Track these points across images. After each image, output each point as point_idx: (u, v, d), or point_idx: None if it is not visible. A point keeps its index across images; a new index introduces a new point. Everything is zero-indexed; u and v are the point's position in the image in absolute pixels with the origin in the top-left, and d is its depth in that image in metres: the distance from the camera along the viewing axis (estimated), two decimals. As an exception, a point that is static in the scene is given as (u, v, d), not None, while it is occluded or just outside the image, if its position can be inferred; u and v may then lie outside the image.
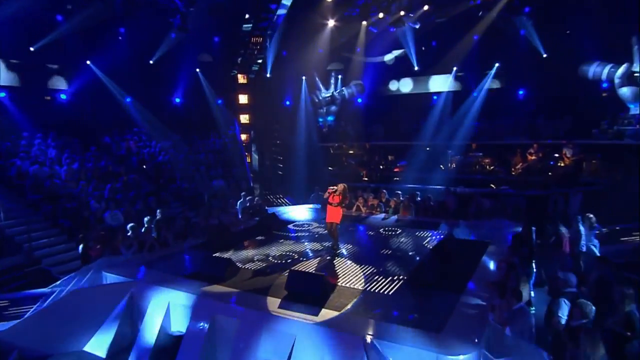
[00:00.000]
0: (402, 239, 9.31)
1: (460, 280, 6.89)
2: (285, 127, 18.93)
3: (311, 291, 6.50)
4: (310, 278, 6.70)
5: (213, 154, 16.99)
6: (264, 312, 6.11)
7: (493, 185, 13.12)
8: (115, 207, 11.60)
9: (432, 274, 7.05)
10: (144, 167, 15.03)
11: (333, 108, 19.29)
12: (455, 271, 7.23)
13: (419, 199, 11.80)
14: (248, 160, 17.32)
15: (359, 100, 19.27)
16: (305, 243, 9.28)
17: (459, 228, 9.77)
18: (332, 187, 8.45)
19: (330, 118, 19.46)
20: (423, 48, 17.10)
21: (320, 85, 19.01)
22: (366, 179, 15.87)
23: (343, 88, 19.11)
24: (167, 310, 6.89)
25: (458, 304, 6.14)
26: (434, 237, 9.24)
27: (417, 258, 8.00)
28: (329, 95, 19.09)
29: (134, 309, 7.12)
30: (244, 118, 17.88)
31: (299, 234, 10.09)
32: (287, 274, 6.94)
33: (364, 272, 7.47)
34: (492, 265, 7.48)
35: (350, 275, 7.34)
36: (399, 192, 12.24)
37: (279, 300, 6.46)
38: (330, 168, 17.06)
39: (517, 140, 14.57)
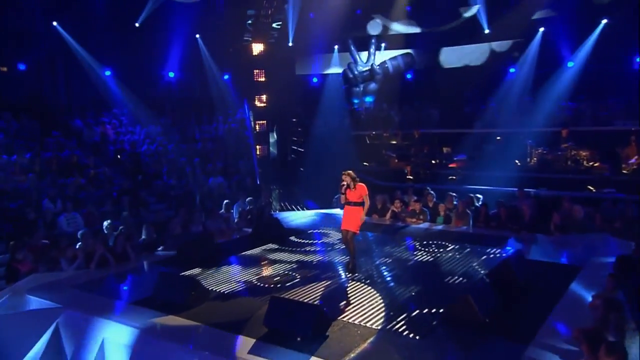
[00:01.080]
0: (449, 258, 8.73)
1: (530, 323, 5.97)
2: (310, 110, 18.73)
3: (300, 328, 5.74)
4: (300, 309, 5.94)
5: (213, 143, 16.88)
6: (231, 359, 5.40)
7: (592, 188, 12.36)
8: (74, 209, 11.33)
9: (487, 311, 6.03)
10: (119, 157, 14.85)
11: (372, 86, 18.98)
12: (524, 309, 6.40)
13: (478, 204, 11.38)
14: (258, 152, 17.13)
15: (408, 75, 19.03)
16: (311, 259, 8.90)
17: (535, 245, 9.17)
18: (344, 183, 8.03)
19: (368, 99, 19.17)
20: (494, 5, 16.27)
21: (357, 57, 18.61)
22: (411, 177, 15.53)
23: (386, 60, 18.80)
24: (102, 349, 6.35)
25: (524, 360, 4.95)
26: (496, 257, 8.60)
27: (467, 286, 7.21)
28: (367, 69, 18.71)
29: (59, 346, 6.66)
30: (259, 99, 17.84)
31: (306, 247, 9.79)
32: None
33: (386, 303, 6.79)
34: (581, 302, 6.48)
35: (365, 307, 6.66)
36: (454, 194, 11.82)
37: (253, 341, 5.77)
38: (365, 164, 16.74)
39: (631, 125, 13.67)
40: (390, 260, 8.67)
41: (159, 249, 10.01)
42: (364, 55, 18.57)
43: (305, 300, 6.78)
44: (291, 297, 6.80)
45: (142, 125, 16.75)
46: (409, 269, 8.20)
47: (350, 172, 7.92)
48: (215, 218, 11.30)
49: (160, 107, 17.48)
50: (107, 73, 16.08)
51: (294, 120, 18.72)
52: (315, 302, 6.48)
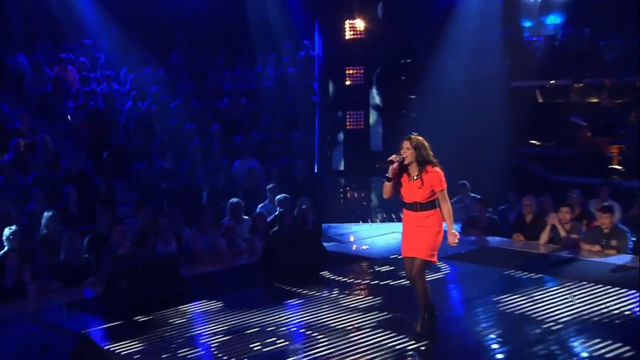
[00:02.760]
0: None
1: None
2: (435, 45, 17.40)
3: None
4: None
5: (249, 101, 17.57)
6: None
7: None
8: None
9: None
10: (78, 119, 15.59)
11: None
12: None
13: None
14: (348, 124, 16.32)
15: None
16: (353, 314, 9.10)
17: None
18: (396, 156, 7.73)
19: (553, 19, 18.99)
20: None
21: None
22: (618, 167, 15.39)
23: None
24: None
25: None
26: None
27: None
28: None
29: None
30: (350, 26, 16.40)
31: (351, 289, 10.19)
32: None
33: None
34: None
35: None
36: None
37: None
38: (534, 142, 17.11)
39: None
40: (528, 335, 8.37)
41: (88, 280, 10.39)
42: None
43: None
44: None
45: (130, 68, 17.40)
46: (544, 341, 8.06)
47: (417, 137, 7.78)
48: (205, 229, 11.68)
49: (167, 38, 18.45)
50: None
51: (408, 61, 17.48)
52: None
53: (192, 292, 9.89)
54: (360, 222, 15.04)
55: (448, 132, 15.30)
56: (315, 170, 15.95)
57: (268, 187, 13.69)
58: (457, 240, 7.70)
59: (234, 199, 12.69)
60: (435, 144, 14.74)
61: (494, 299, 9.57)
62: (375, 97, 16.60)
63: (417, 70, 17.31)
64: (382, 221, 15.03)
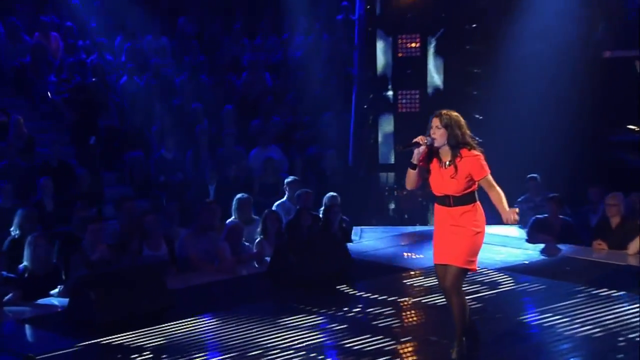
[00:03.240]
0: None
1: None
2: (502, 7, 17.29)
3: None
4: None
5: (274, 74, 17.80)
6: None
7: None
8: None
9: None
10: (60, 97, 15.71)
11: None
12: None
13: None
14: (400, 108, 16.58)
15: None
16: (369, 332, 9.11)
17: None
18: (423, 137, 7.68)
19: None
20: None
21: None
22: None
23: None
24: None
25: None
26: None
27: None
28: None
29: None
30: None
31: (373, 306, 10.12)
32: None
33: None
34: None
35: None
36: None
37: None
38: (633, 127, 16.93)
39: None
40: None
41: (54, 291, 10.37)
42: None
43: None
44: None
45: (127, 36, 17.52)
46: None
47: (449, 113, 7.65)
48: (204, 230, 11.72)
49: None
50: None
51: (474, 27, 17.42)
52: None
53: (180, 306, 9.75)
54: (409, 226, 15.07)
55: (520, 115, 15.72)
56: (350, 162, 15.88)
57: (287, 180, 13.59)
58: (516, 217, 7.52)
59: (242, 194, 12.63)
60: (504, 130, 15.64)
61: (565, 321, 9.33)
62: (434, 73, 16.55)
63: (485, 39, 17.21)
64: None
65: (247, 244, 12.07)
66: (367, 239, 13.90)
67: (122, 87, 16.43)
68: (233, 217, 12.46)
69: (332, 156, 15.42)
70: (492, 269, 11.43)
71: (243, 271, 11.56)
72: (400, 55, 16.43)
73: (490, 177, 7.58)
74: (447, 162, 7.49)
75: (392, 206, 16.12)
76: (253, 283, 11.24)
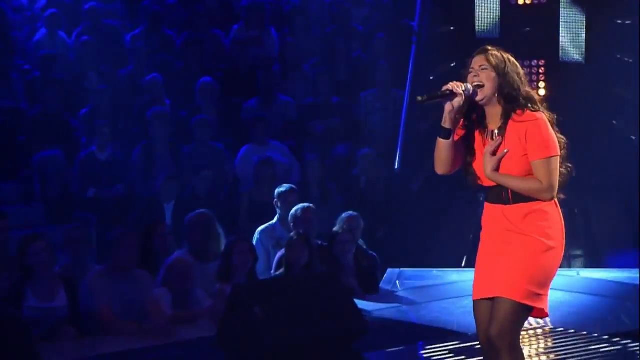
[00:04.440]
0: None
1: None
2: None
3: None
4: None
5: (281, 30, 17.40)
6: None
7: None
8: None
9: None
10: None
11: None
12: None
13: None
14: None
15: None
16: None
17: None
18: (458, 84, 6.44)
19: None
20: None
21: None
22: None
23: None
24: None
25: None
26: None
27: None
28: None
29: None
30: None
31: None
32: None
33: None
34: None
35: None
36: None
37: None
38: None
39: None
40: None
41: None
42: None
43: None
44: None
45: None
46: None
47: (500, 51, 6.65)
48: (126, 268, 11.07)
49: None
50: None
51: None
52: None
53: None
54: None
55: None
56: (396, 167, 14.86)
57: (278, 191, 12.71)
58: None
59: (200, 211, 11.83)
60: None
61: None
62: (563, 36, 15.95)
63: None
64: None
65: (201, 291, 11.04)
66: (408, 288, 12.80)
67: (36, 46, 15.75)
68: (184, 246, 11.75)
69: (370, 158, 14.08)
70: (584, 332, 10.55)
71: (186, 333, 10.51)
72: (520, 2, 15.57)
73: (553, 160, 6.42)
74: (496, 131, 6.45)
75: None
76: (198, 354, 10.16)
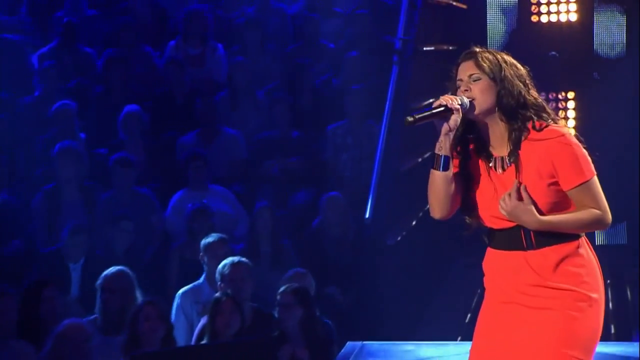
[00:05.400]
0: None
1: None
2: None
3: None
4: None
5: (229, 40, 17.94)
6: None
7: None
8: None
9: None
10: None
11: None
12: None
13: None
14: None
15: None
16: None
17: None
18: (451, 97, 6.24)
19: None
20: None
21: None
22: None
23: None
24: None
25: None
26: None
27: None
28: None
29: None
30: None
31: None
32: None
33: None
34: None
35: None
36: None
37: None
38: None
39: None
40: None
41: None
42: None
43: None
44: None
45: None
46: None
47: (492, 51, 6.52)
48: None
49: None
50: None
51: None
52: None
53: None
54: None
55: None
56: (367, 215, 14.25)
57: (204, 242, 12.17)
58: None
59: (118, 268, 11.49)
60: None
61: None
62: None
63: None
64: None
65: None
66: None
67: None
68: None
69: (336, 203, 13.64)
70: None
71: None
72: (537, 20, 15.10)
73: (594, 184, 5.86)
74: (508, 158, 5.86)
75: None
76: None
